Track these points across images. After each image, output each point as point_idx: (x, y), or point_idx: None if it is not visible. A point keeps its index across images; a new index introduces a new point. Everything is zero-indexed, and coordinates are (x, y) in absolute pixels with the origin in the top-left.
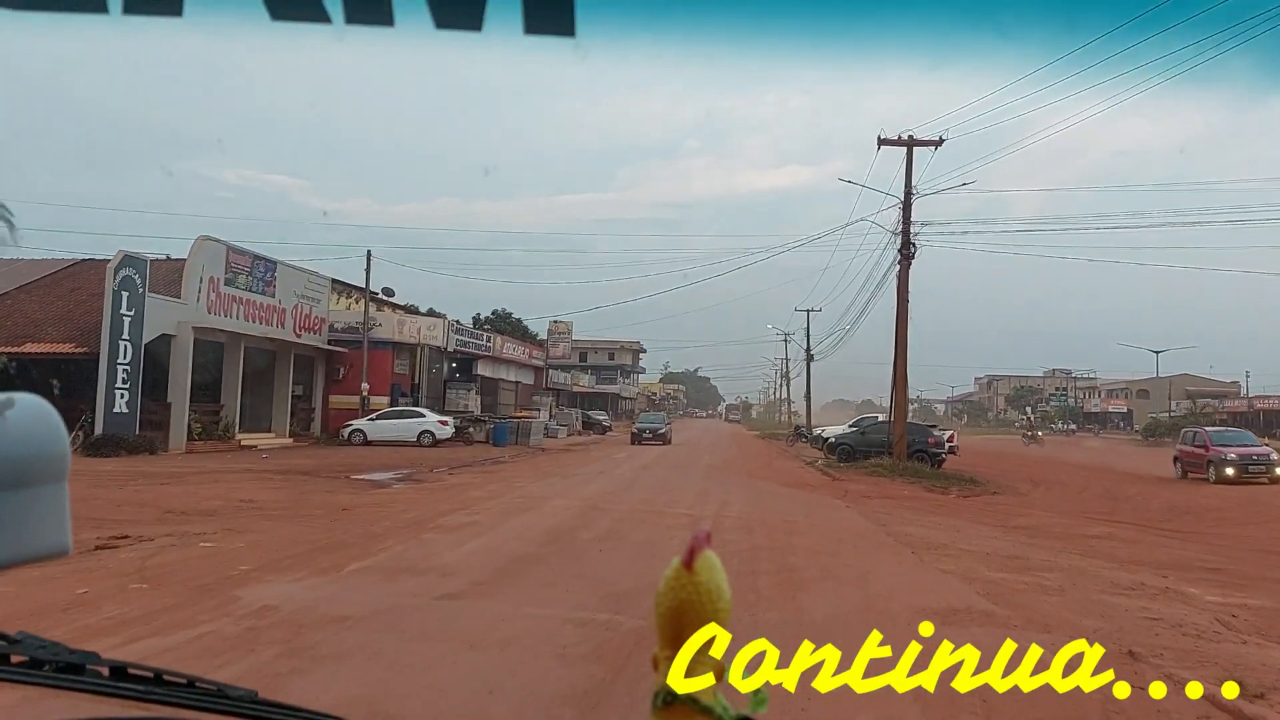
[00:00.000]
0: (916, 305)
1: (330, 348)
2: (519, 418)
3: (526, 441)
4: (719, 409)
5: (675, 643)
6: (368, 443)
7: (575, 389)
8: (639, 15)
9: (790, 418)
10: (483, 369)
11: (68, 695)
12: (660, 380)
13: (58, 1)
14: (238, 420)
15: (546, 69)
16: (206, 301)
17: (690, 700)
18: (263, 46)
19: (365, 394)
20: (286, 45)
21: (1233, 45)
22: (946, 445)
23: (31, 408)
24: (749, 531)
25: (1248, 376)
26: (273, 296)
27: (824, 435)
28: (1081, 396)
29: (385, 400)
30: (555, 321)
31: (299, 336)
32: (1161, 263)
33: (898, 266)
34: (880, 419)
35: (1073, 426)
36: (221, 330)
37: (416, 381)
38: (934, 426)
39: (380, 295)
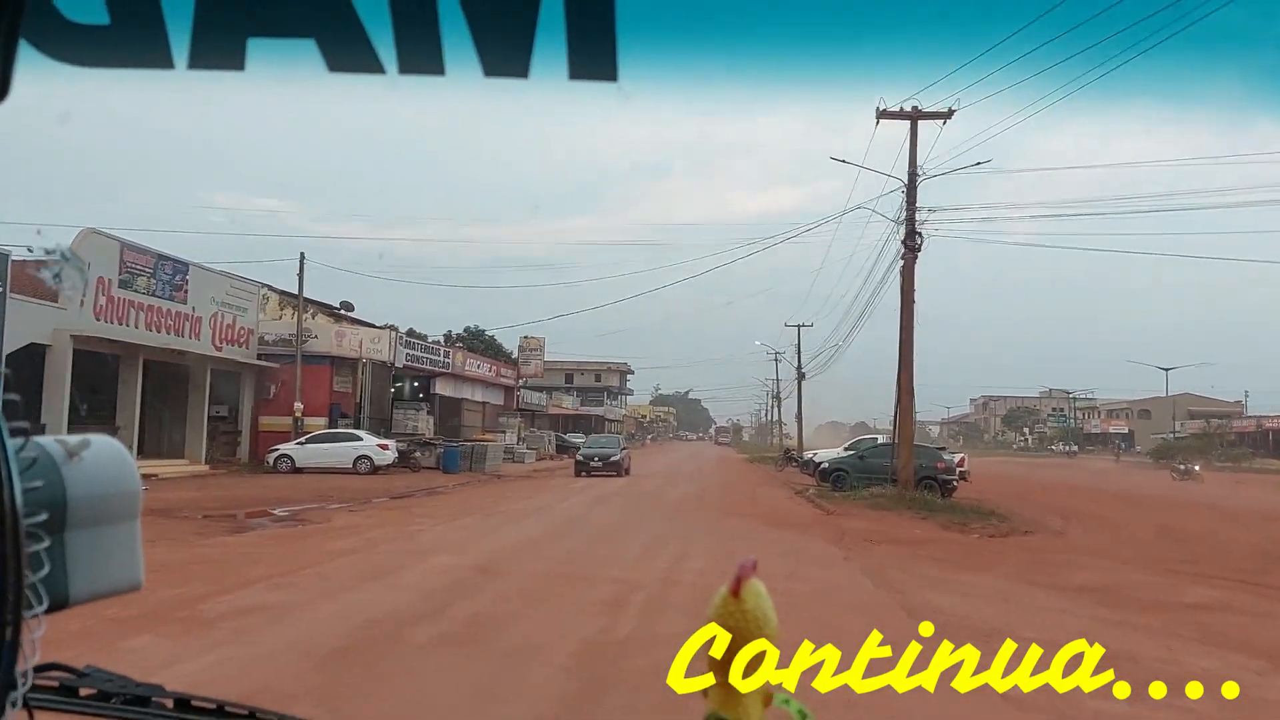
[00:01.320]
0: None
1: (260, 363)
2: (477, 441)
3: (482, 468)
4: (710, 431)
5: (723, 668)
6: (296, 470)
7: (556, 411)
8: (673, 55)
9: (781, 440)
10: (442, 388)
11: None
12: (650, 403)
13: (129, 59)
14: (136, 444)
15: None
16: (94, 307)
17: None
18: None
19: (299, 415)
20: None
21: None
22: (957, 471)
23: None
24: (700, 613)
25: (1246, 396)
26: (184, 303)
27: (816, 459)
28: (1081, 417)
29: (323, 422)
30: (526, 337)
31: (219, 350)
32: (1172, 251)
33: (901, 261)
34: (881, 440)
35: (1074, 448)
36: (113, 340)
37: (359, 401)
38: (942, 449)
39: (339, 309)
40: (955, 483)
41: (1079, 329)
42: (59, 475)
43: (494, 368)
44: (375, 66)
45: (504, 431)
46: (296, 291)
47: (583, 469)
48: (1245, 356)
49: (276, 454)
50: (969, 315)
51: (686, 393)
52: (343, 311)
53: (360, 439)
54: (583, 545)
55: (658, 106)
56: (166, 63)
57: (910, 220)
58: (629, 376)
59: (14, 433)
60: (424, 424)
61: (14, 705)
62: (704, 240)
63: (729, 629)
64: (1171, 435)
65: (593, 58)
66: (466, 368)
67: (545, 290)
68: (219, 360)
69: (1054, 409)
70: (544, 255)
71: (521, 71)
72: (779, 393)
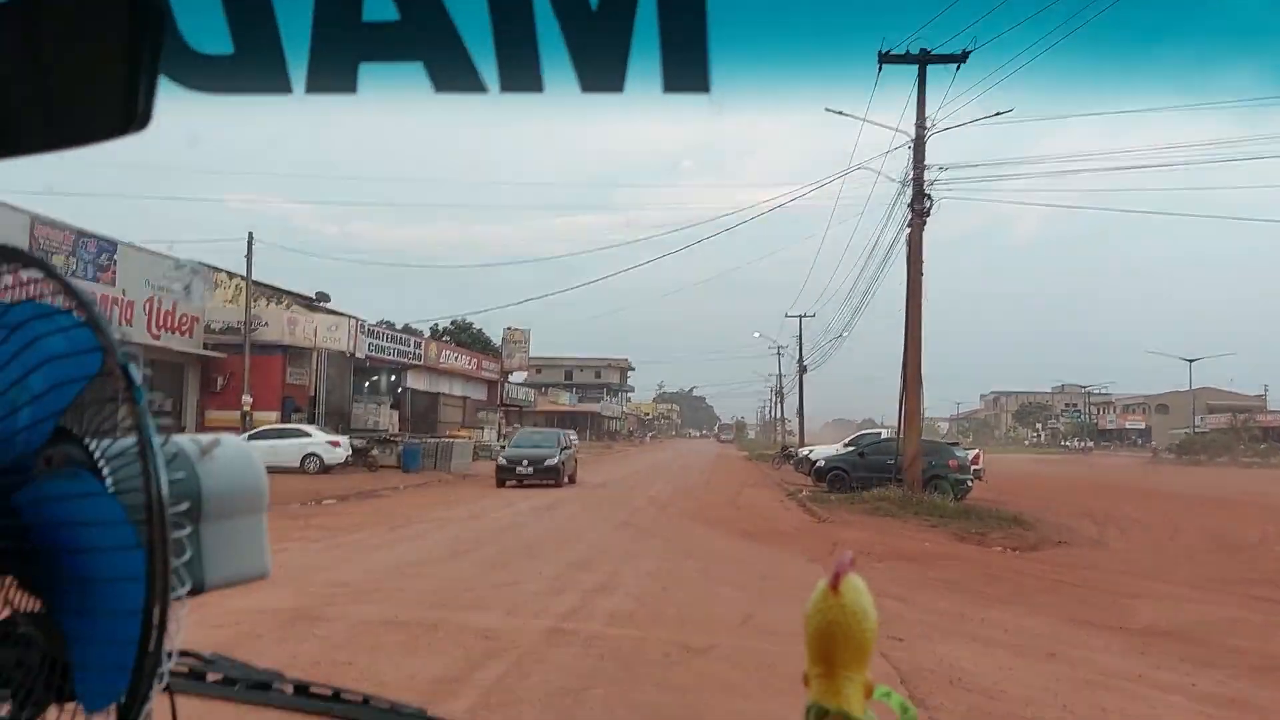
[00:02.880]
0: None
1: (206, 353)
2: (443, 438)
3: (447, 466)
4: (715, 429)
5: (824, 660)
6: None
7: (551, 408)
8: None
9: (784, 437)
10: (415, 381)
11: (256, 710)
12: (654, 400)
13: (250, 85)
14: None
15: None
16: None
17: (842, 715)
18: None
19: (247, 409)
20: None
21: None
22: (972, 469)
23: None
24: (583, 690)
25: (1266, 390)
26: (111, 285)
27: (811, 457)
28: (1096, 412)
29: (275, 416)
30: (510, 329)
31: (156, 338)
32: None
33: (907, 229)
34: (884, 435)
35: (1089, 444)
36: None
37: (314, 394)
38: (955, 444)
39: (314, 300)
40: (970, 483)
41: (1093, 322)
42: (194, 470)
43: (475, 361)
44: (478, 86)
45: (482, 428)
46: (274, 283)
47: (506, 476)
48: (1264, 349)
49: None
50: (979, 308)
51: (690, 390)
52: (319, 302)
53: (309, 435)
54: (479, 569)
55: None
56: (285, 88)
57: (918, 180)
58: (630, 373)
59: (160, 429)
60: (386, 419)
61: (161, 680)
62: (714, 237)
63: (829, 621)
64: (1192, 430)
65: (686, 69)
66: (442, 360)
67: (550, 288)
68: (157, 350)
69: (1068, 404)
70: (551, 252)
71: (617, 85)
72: (782, 388)
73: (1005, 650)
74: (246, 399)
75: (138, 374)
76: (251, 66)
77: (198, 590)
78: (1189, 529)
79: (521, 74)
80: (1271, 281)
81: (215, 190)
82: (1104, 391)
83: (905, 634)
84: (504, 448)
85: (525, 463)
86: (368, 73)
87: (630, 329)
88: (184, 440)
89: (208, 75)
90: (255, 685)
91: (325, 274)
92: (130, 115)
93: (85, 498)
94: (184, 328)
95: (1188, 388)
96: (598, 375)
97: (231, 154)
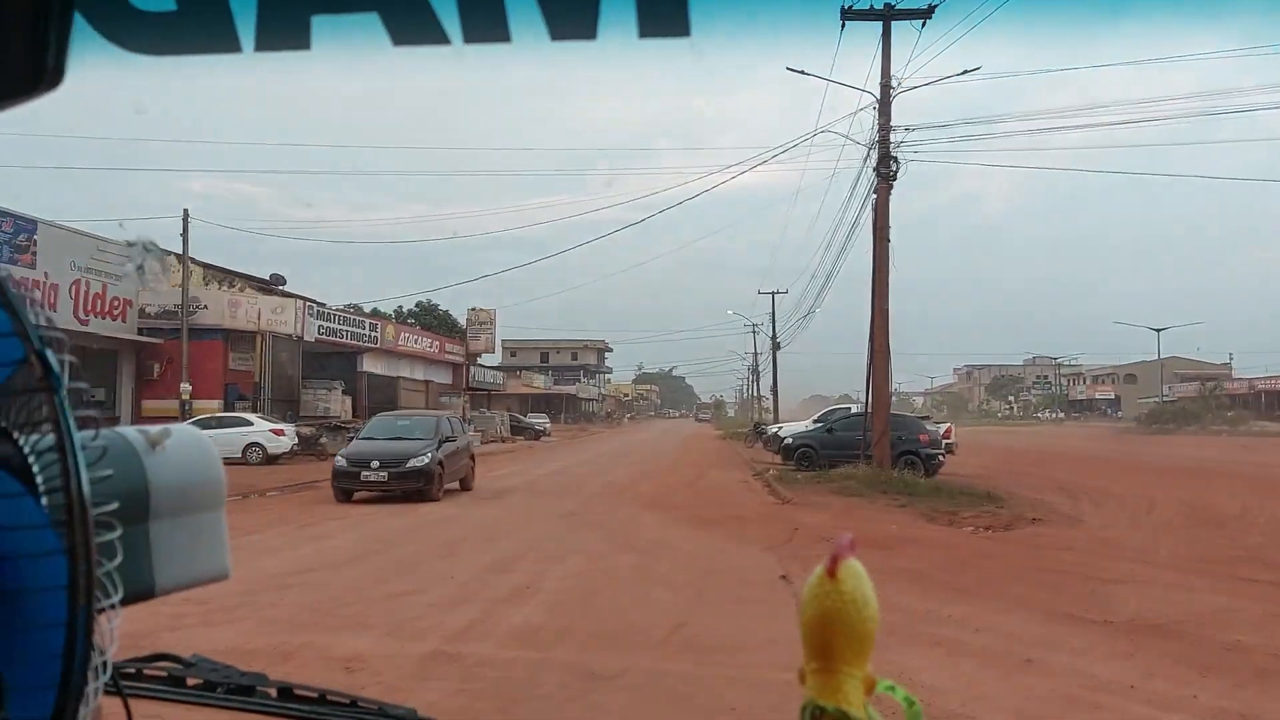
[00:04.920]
0: (891, 298)
1: (141, 338)
2: None
3: None
4: (694, 409)
5: (821, 654)
6: None
7: (525, 390)
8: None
9: (760, 415)
10: (372, 364)
11: (240, 715)
12: (633, 381)
13: (197, 44)
14: None
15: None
16: None
17: (840, 714)
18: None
19: (185, 397)
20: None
21: None
22: (943, 443)
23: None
24: None
25: (1232, 358)
26: (31, 267)
27: (780, 435)
28: (1066, 384)
29: (217, 405)
30: (475, 309)
31: (84, 324)
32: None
33: (873, 194)
34: (854, 411)
35: (1061, 415)
36: None
37: (259, 380)
38: (925, 418)
39: (269, 282)
40: (941, 457)
41: (1064, 294)
42: (140, 465)
43: (438, 343)
44: (440, 38)
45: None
46: (227, 266)
47: (348, 485)
48: (1230, 317)
49: None
50: (952, 283)
51: (670, 370)
52: (273, 284)
53: (250, 424)
54: (379, 575)
55: (643, 78)
56: (234, 46)
57: (883, 142)
58: (608, 354)
59: (82, 422)
60: (338, 405)
61: (86, 702)
62: (687, 215)
63: (826, 609)
64: (1160, 399)
65: (664, 11)
66: (401, 342)
67: (528, 269)
68: (85, 336)
69: (1039, 376)
70: (525, 234)
71: (589, 32)
72: (757, 366)
73: (975, 659)
74: (185, 387)
75: (55, 361)
76: (196, 23)
77: (147, 595)
78: (1165, 502)
79: (486, 22)
80: (1236, 249)
81: (181, 175)
82: (1074, 363)
83: None
84: (352, 439)
85: (375, 464)
86: (322, 26)
87: (609, 310)
88: (131, 432)
89: (149, 35)
90: (237, 689)
91: (292, 257)
92: (39, 74)
93: (3, 499)
94: (115, 312)
95: (1156, 357)
96: (574, 357)
97: (190, 131)
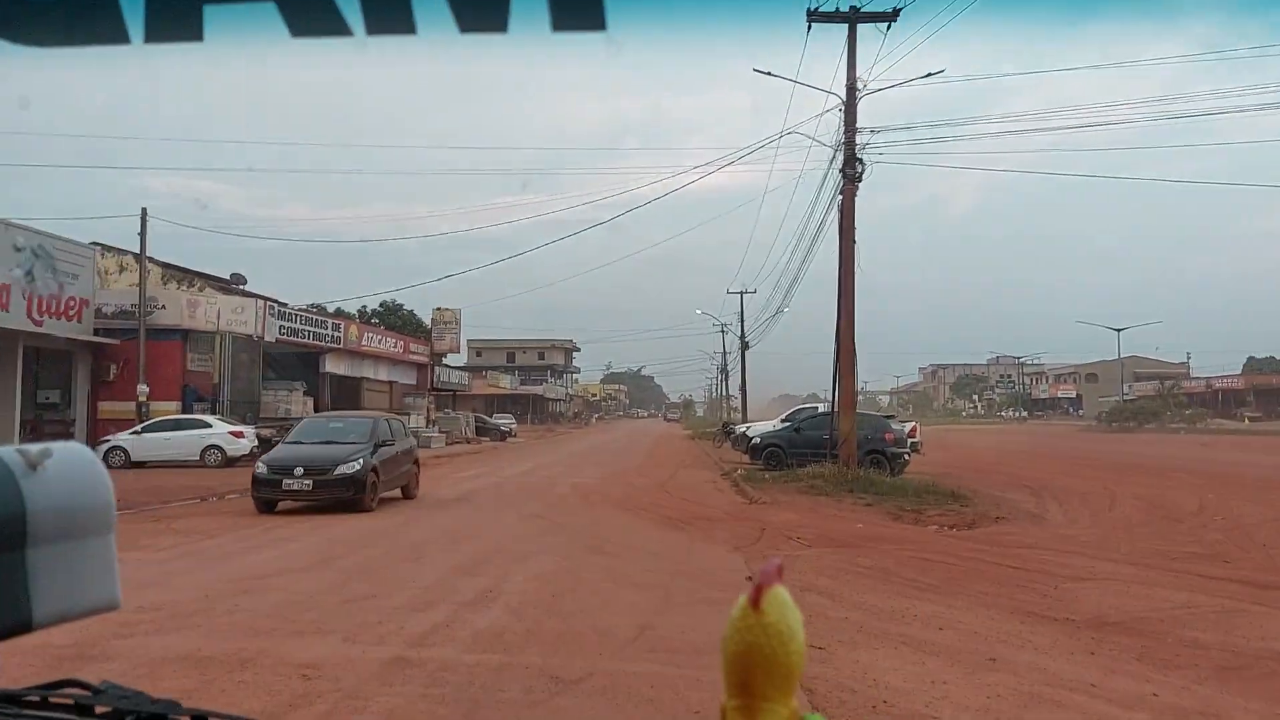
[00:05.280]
0: (857, 298)
1: (97, 339)
2: None
3: None
4: (663, 409)
5: (743, 690)
6: (132, 464)
7: (491, 391)
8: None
9: (729, 414)
10: (334, 365)
11: None
12: (601, 381)
13: (83, 36)
14: None
15: (482, 68)
16: None
17: None
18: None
19: (143, 399)
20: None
21: None
22: (909, 442)
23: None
24: None
25: (1189, 357)
26: None
27: (748, 434)
28: (1029, 383)
29: (175, 406)
30: (439, 309)
31: (39, 324)
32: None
33: (840, 195)
34: (821, 410)
35: (1023, 413)
36: None
37: (218, 381)
38: (891, 417)
39: (229, 282)
40: (907, 456)
41: (1027, 294)
42: (16, 488)
43: (402, 343)
44: (341, 28)
45: (409, 414)
46: (185, 265)
47: (267, 492)
48: (1188, 317)
49: (107, 446)
50: (918, 283)
51: (639, 369)
52: (234, 284)
53: (209, 426)
54: (341, 579)
55: (608, 78)
56: (122, 37)
57: (849, 144)
58: (576, 354)
59: None
60: (299, 406)
61: None
62: (657, 216)
63: (749, 644)
64: (1121, 398)
65: (577, 6)
66: (364, 342)
67: (494, 269)
68: (40, 337)
69: (1002, 375)
70: (492, 234)
71: (500, 25)
72: (726, 365)
73: (940, 658)
74: (142, 388)
75: None
76: (84, 15)
77: (23, 629)
78: (1126, 499)
79: (389, 14)
80: (1193, 252)
81: (139, 174)
82: (1037, 362)
83: (827, 639)
84: (276, 443)
85: (299, 471)
86: (215, 16)
87: (577, 310)
88: (6, 452)
89: (37, 27)
90: (148, 718)
91: (256, 258)
92: None
93: None
94: (71, 312)
95: (1116, 357)
96: (541, 357)
97: (152, 130)
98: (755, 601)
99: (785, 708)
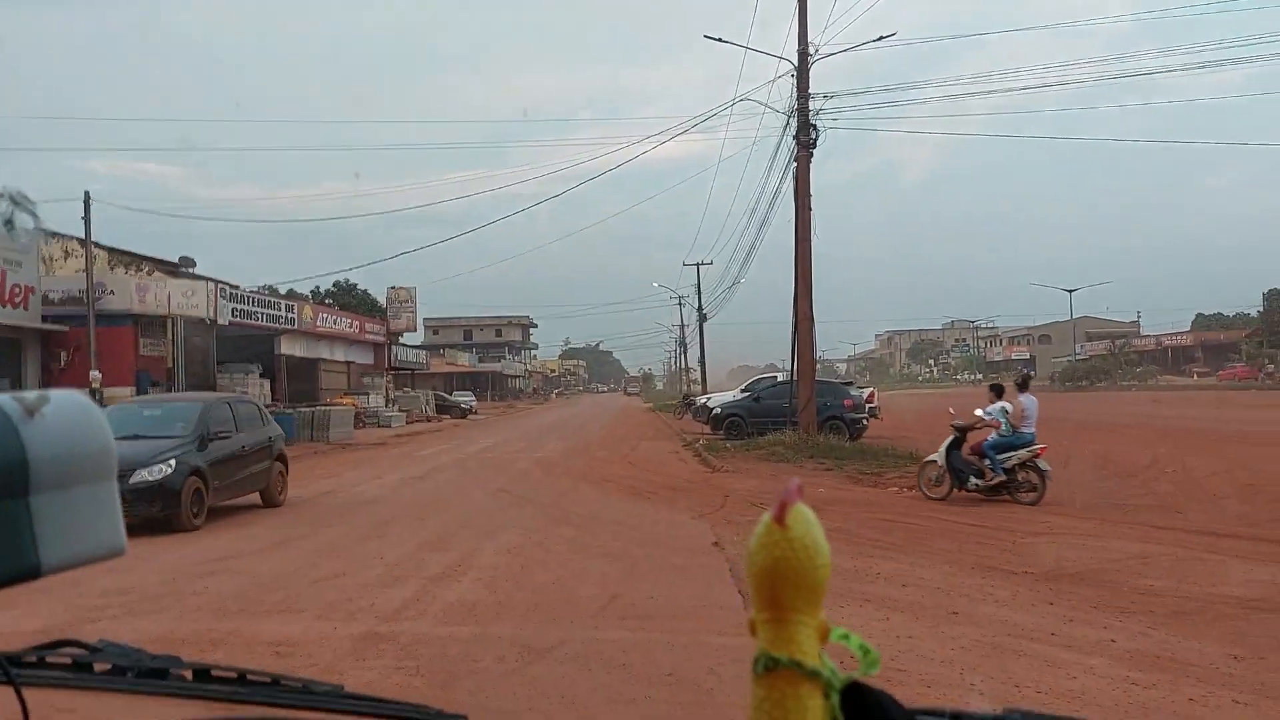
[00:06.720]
0: (814, 266)
1: (46, 326)
2: (319, 407)
3: (325, 436)
4: (622, 383)
5: (772, 604)
6: None
7: (450, 369)
8: None
9: (689, 387)
10: (289, 347)
11: (154, 701)
12: (560, 356)
13: None
14: None
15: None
16: None
17: (795, 664)
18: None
19: (96, 385)
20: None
21: None
22: (867, 408)
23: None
24: None
25: (1139, 316)
26: None
27: (709, 405)
28: (984, 346)
29: (129, 392)
30: (394, 288)
31: None
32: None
33: (794, 163)
34: (780, 379)
35: (979, 376)
36: None
37: (173, 366)
38: (849, 384)
39: (178, 265)
40: (865, 421)
41: (981, 258)
42: (16, 435)
43: (357, 323)
44: None
45: (368, 394)
46: (134, 250)
47: None
48: (1137, 277)
49: None
50: (874, 251)
51: (597, 344)
52: (183, 268)
53: None
54: (307, 559)
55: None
56: None
57: (802, 110)
58: (533, 330)
59: None
60: (256, 389)
61: None
62: (612, 190)
63: (776, 558)
64: (1073, 358)
65: None
66: (320, 323)
67: (450, 245)
68: None
69: (957, 339)
70: (445, 209)
71: None
72: (684, 338)
73: (904, 613)
74: (95, 374)
75: None
76: None
77: (32, 574)
78: (1080, 455)
79: None
80: (1144, 210)
81: (81, 155)
82: (991, 325)
83: None
84: None
85: None
86: None
87: (534, 286)
88: (3, 399)
89: None
90: (149, 673)
91: (204, 241)
92: None
93: None
94: (17, 299)
95: (1068, 317)
96: (499, 334)
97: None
98: (780, 518)
99: (814, 619)
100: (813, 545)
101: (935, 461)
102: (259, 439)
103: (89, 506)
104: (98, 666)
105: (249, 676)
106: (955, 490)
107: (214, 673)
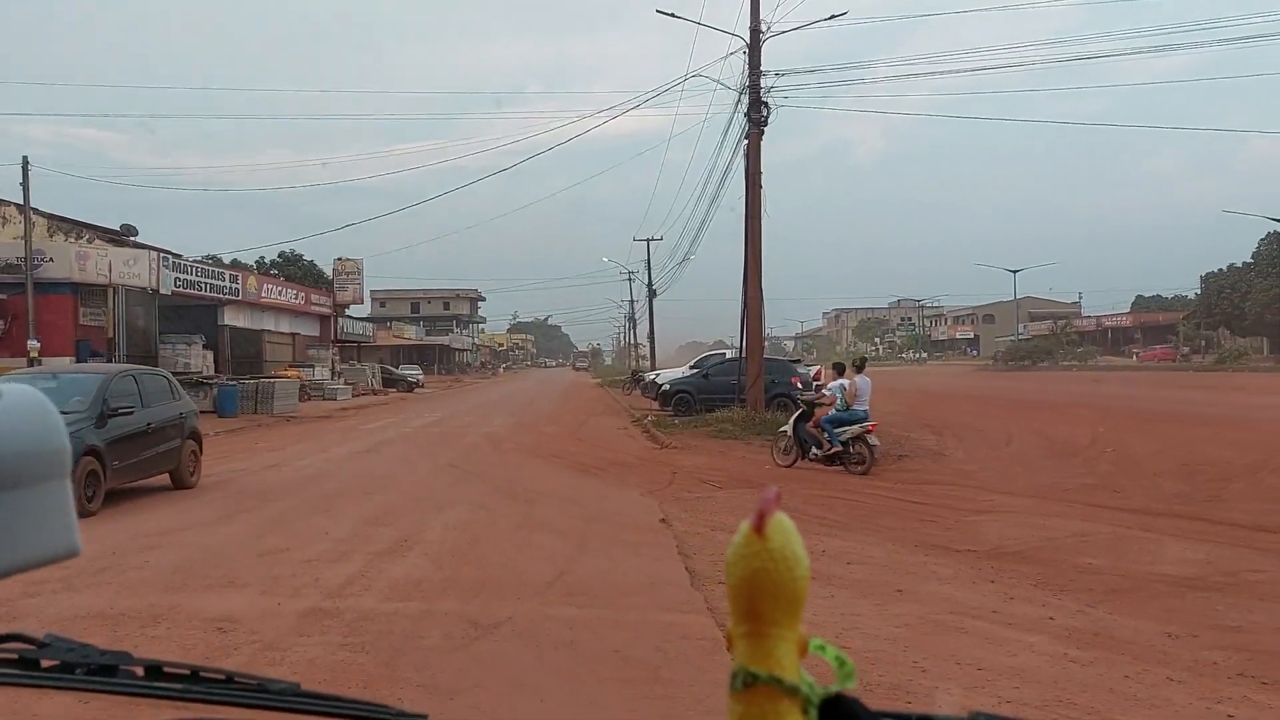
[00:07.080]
0: (764, 244)
1: None
2: (264, 379)
3: (270, 408)
4: (571, 358)
5: (750, 617)
6: None
7: (396, 341)
8: None
9: (638, 363)
10: (233, 317)
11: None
12: (508, 330)
13: None
14: None
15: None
16: None
17: (773, 680)
18: None
19: (34, 354)
20: None
21: None
22: (814, 385)
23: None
24: None
25: (1081, 297)
26: None
27: (658, 381)
28: (929, 325)
29: (69, 361)
30: (341, 260)
31: None
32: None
33: (745, 140)
34: (729, 356)
35: (923, 354)
36: None
37: (114, 336)
38: (797, 361)
39: (120, 233)
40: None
41: (928, 237)
42: None
43: (303, 295)
44: None
45: (313, 366)
46: (75, 217)
47: None
48: (1079, 258)
49: None
50: (822, 229)
51: (546, 319)
52: (125, 235)
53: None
54: (250, 533)
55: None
56: None
57: (754, 87)
58: (481, 304)
59: None
60: (199, 360)
61: None
62: (562, 164)
63: (755, 570)
64: (1016, 338)
65: None
66: (265, 294)
67: (397, 217)
68: None
69: (903, 318)
70: (393, 181)
71: None
72: (634, 313)
73: (849, 591)
74: (33, 344)
75: None
76: None
77: None
78: (1022, 434)
79: None
80: (1087, 192)
81: (20, 120)
82: (936, 304)
83: None
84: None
85: None
86: None
87: (482, 259)
88: None
89: None
90: (99, 669)
91: (146, 210)
92: None
93: None
94: None
95: (1012, 298)
96: (446, 306)
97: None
98: (759, 528)
99: (793, 632)
100: (792, 556)
101: (786, 432)
102: (168, 415)
103: (43, 506)
104: (45, 663)
105: (202, 674)
106: (799, 459)
107: (166, 669)
